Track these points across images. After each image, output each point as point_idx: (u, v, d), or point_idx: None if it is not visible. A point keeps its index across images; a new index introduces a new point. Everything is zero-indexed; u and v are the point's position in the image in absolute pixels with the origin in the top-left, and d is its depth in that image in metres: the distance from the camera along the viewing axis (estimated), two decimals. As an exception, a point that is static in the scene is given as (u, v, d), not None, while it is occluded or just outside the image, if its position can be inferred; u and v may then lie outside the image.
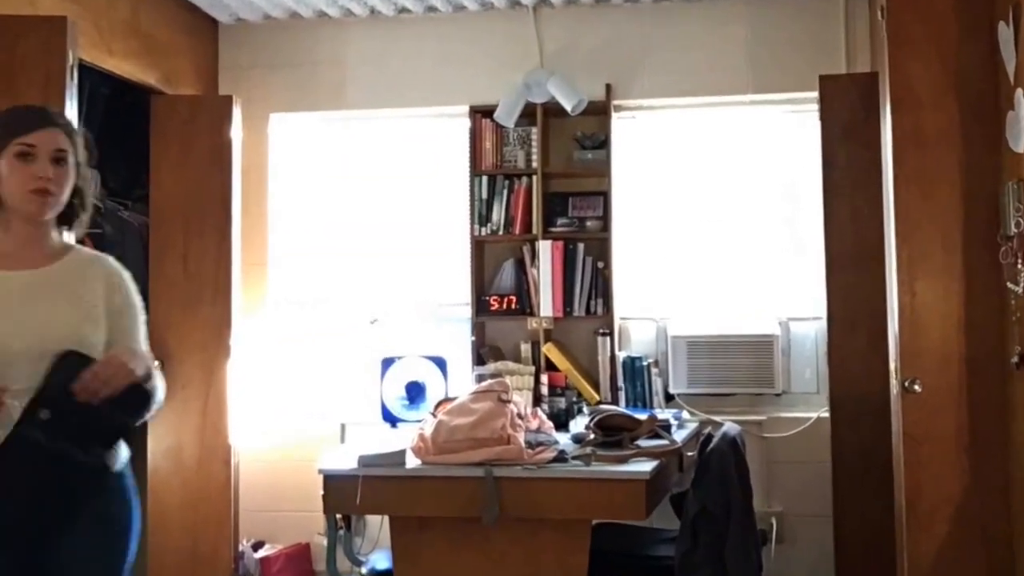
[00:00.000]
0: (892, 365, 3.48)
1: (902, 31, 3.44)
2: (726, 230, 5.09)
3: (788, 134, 5.06)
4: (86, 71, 4.31)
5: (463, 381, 4.86)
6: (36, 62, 3.68)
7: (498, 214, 5.03)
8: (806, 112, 4.89)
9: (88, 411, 2.20)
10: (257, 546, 5.08)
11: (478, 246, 5.09)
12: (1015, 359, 3.18)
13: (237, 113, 4.92)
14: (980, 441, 3.35)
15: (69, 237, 2.60)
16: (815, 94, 4.53)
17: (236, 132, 4.91)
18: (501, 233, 5.03)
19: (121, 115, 4.97)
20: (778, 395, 4.88)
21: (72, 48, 3.74)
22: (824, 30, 4.94)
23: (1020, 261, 3.14)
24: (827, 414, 4.49)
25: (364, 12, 5.25)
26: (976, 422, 3.36)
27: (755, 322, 4.93)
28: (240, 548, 4.91)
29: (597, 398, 4.84)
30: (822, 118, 4.45)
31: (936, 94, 3.41)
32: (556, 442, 3.84)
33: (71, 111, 3.73)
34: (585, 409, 4.62)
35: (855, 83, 4.43)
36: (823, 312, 4.44)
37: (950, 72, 3.41)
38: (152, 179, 4.88)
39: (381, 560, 4.20)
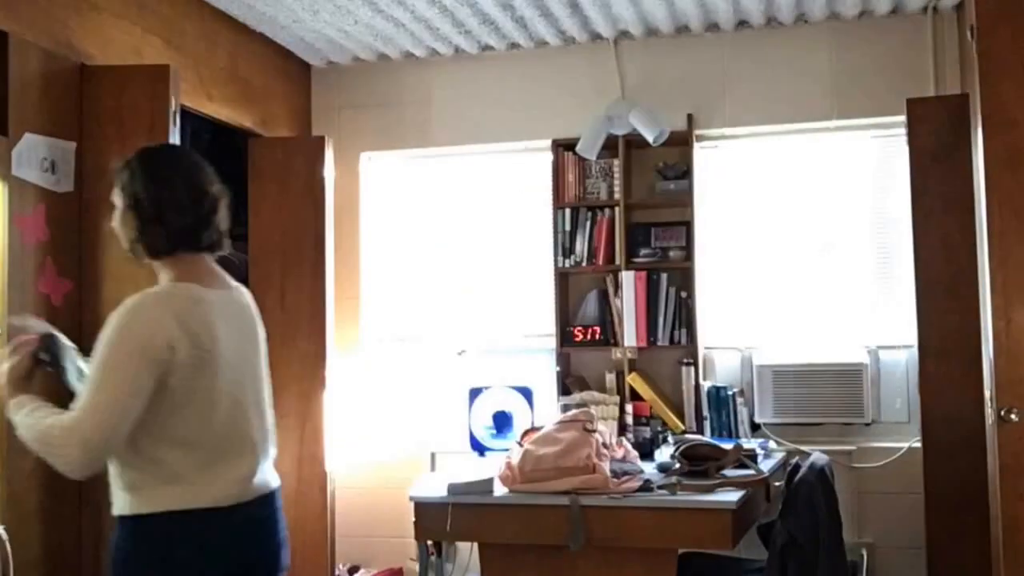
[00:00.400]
0: (987, 394, 3.24)
1: (993, 50, 3.21)
2: (812, 258, 4.85)
3: (875, 159, 4.81)
4: (188, 116, 4.42)
5: (549, 411, 4.74)
6: (142, 108, 3.76)
7: (581, 246, 4.89)
8: (893, 137, 4.66)
9: None
10: (353, 570, 5.05)
11: (562, 278, 4.96)
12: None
13: (329, 153, 4.90)
14: (1083, 472, 3.09)
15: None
16: (902, 118, 4.27)
17: (329, 171, 4.89)
18: (584, 264, 4.90)
19: (220, 157, 4.98)
20: (867, 424, 4.61)
21: (175, 95, 3.80)
22: (911, 52, 4.69)
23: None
24: (919, 444, 4.21)
25: (449, 51, 5.20)
26: (1078, 452, 3.09)
27: (843, 351, 4.68)
28: (336, 572, 4.86)
29: (682, 427, 4.67)
30: (910, 142, 4.18)
31: (1030, 114, 3.17)
32: (641, 471, 3.73)
33: None
34: (670, 438, 4.46)
35: (944, 106, 4.18)
36: (914, 340, 4.18)
37: (1045, 91, 3.16)
38: (251, 218, 4.89)
39: (471, 586, 4.12)
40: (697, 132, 4.87)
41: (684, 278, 4.79)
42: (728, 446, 3.88)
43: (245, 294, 2.55)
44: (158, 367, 2.17)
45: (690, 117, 4.85)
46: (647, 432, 4.67)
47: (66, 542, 3.62)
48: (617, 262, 4.82)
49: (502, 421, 4.74)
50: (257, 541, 2.40)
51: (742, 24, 4.87)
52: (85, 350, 3.72)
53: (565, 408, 4.53)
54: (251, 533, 2.37)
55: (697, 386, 4.72)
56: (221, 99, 4.65)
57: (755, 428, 4.71)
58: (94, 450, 2.12)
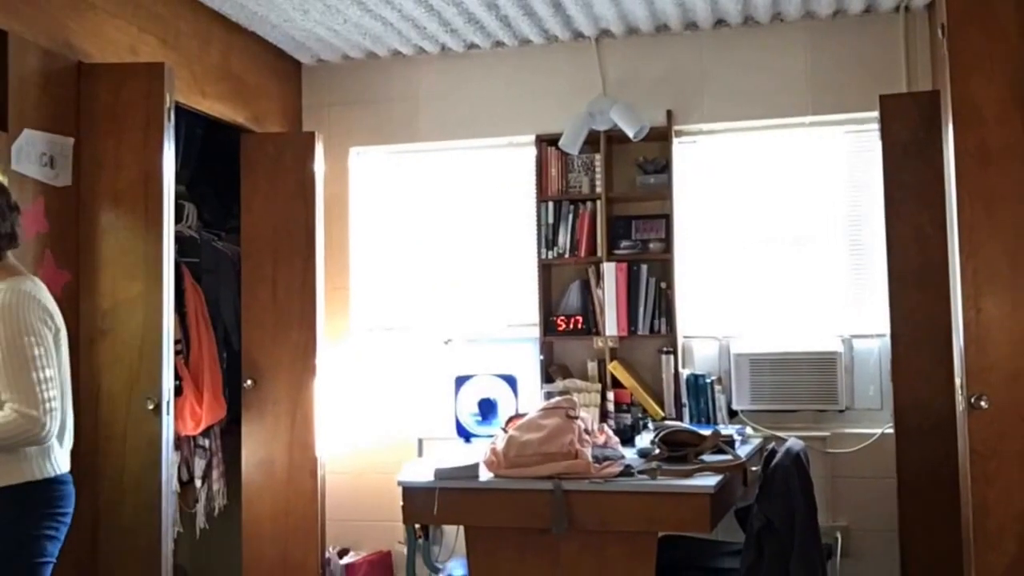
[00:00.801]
0: (958, 381, 3.20)
1: (963, 48, 3.16)
2: (788, 249, 4.81)
3: (849, 154, 4.76)
4: (182, 112, 4.38)
5: (532, 398, 4.71)
6: (138, 104, 3.75)
7: (564, 238, 4.85)
8: (867, 132, 4.63)
9: None
10: (342, 553, 5.00)
11: (545, 269, 4.91)
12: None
13: (319, 148, 4.85)
14: (1049, 457, 3.06)
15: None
16: (875, 114, 4.22)
17: (319, 166, 4.83)
18: (567, 256, 4.85)
19: (214, 152, 4.97)
20: (841, 411, 4.57)
21: (169, 91, 3.78)
22: (883, 50, 4.65)
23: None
24: (891, 430, 4.18)
25: (435, 49, 5.15)
26: (1045, 438, 3.06)
27: (817, 340, 4.63)
28: (327, 555, 4.82)
29: (662, 414, 4.62)
30: (883, 137, 4.14)
31: (999, 109, 3.13)
32: (622, 456, 3.69)
33: (168, 150, 3.77)
34: (650, 425, 4.43)
35: (916, 101, 4.13)
36: (886, 329, 4.14)
37: (1014, 86, 3.13)
38: (243, 211, 4.83)
39: (457, 568, 4.13)
40: (676, 127, 4.82)
41: (664, 269, 4.75)
42: (706, 432, 3.84)
43: None
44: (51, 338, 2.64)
45: (669, 113, 4.81)
46: (628, 419, 4.65)
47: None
48: (599, 254, 4.78)
49: (487, 408, 4.71)
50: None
51: (720, 23, 4.83)
52: (82, 339, 3.71)
53: (548, 396, 4.49)
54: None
55: (676, 374, 4.68)
56: (214, 96, 4.60)
57: (732, 415, 4.68)
58: (55, 413, 2.59)
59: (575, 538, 3.42)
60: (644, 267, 4.74)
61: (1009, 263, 3.11)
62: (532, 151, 4.96)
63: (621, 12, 4.64)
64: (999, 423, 3.07)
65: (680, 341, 4.74)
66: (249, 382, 4.72)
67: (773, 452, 3.51)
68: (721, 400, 4.64)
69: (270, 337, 4.73)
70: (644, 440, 4.05)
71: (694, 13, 4.67)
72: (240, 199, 4.83)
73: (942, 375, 3.59)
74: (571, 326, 4.80)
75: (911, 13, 4.63)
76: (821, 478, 4.36)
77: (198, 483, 4.60)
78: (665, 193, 4.76)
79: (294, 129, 5.32)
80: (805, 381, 4.56)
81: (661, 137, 4.78)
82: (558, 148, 4.80)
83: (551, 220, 4.87)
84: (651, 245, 4.78)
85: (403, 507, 3.62)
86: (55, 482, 2.65)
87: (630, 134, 4.61)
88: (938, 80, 4.06)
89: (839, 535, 4.49)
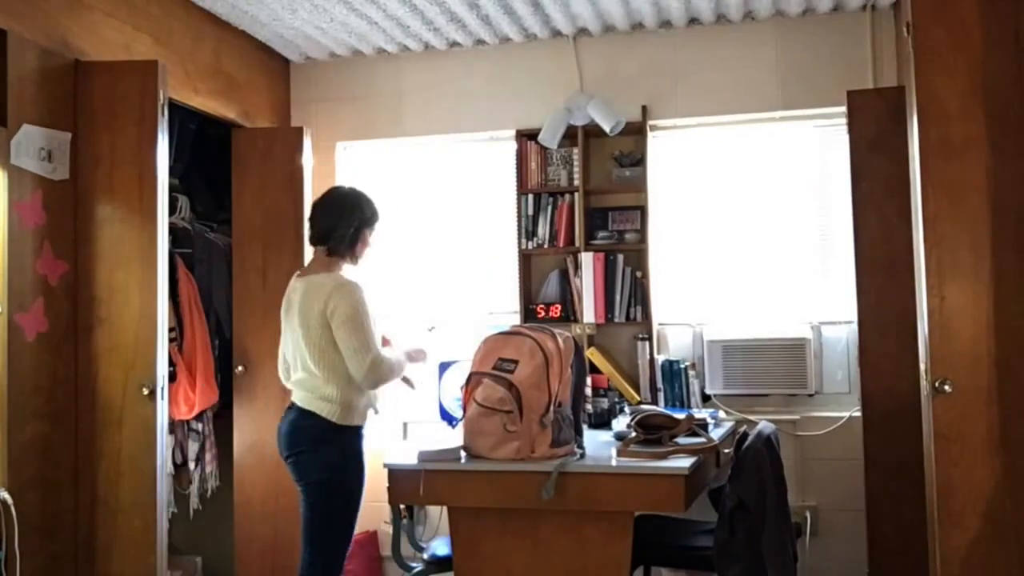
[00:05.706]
0: (922, 366, 3.16)
1: (928, 44, 3.11)
2: (759, 240, 4.76)
3: (817, 147, 4.71)
4: (175, 108, 4.35)
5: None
6: (133, 101, 3.73)
7: (543, 229, 4.79)
8: (835, 126, 4.59)
9: None
10: (331, 533, 4.91)
11: (525, 259, 4.86)
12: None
13: (307, 143, 4.78)
14: (1010, 439, 3.03)
15: None
16: (843, 109, 4.18)
17: (307, 160, 4.77)
18: (546, 246, 4.80)
19: (206, 147, 4.91)
20: (811, 395, 4.54)
21: (163, 88, 3.76)
22: (851, 47, 4.60)
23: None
24: (859, 414, 4.15)
25: (419, 47, 5.08)
26: (1006, 420, 3.03)
27: (788, 326, 4.59)
28: (316, 535, 4.73)
29: (638, 399, 4.57)
30: (850, 132, 4.09)
31: (962, 105, 3.08)
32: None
33: (162, 144, 3.75)
34: (627, 409, 4.38)
35: (882, 97, 4.08)
36: (854, 316, 4.10)
37: (976, 83, 3.07)
38: (234, 203, 4.78)
39: (441, 546, 4.11)
40: (651, 122, 4.76)
41: (639, 259, 4.70)
42: (681, 416, 3.78)
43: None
44: None
45: (644, 108, 4.75)
46: (605, 403, 4.60)
47: (64, 509, 3.58)
48: (577, 244, 4.73)
49: (470, 393, 4.66)
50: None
51: (693, 21, 4.77)
52: (80, 327, 3.65)
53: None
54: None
55: (652, 360, 4.63)
56: (206, 92, 4.54)
57: (706, 399, 4.63)
58: None
59: (554, 517, 3.37)
60: (620, 257, 4.69)
61: (971, 253, 3.07)
62: (512, 145, 4.91)
63: (598, 11, 4.58)
64: (962, 407, 3.04)
65: (655, 328, 4.70)
66: (240, 368, 4.66)
67: (745, 435, 3.48)
68: (695, 385, 4.60)
69: (260, 324, 4.68)
70: (621, 424, 4.01)
71: (668, 12, 4.61)
72: (231, 192, 4.78)
73: (907, 361, 3.58)
74: (550, 314, 4.75)
75: (877, 12, 4.58)
76: (791, 460, 4.32)
77: (191, 465, 4.56)
78: (640, 186, 4.70)
79: (283, 124, 5.24)
80: (776, 366, 4.52)
81: (636, 131, 4.73)
82: (537, 142, 4.75)
83: (531, 212, 4.82)
84: (627, 236, 4.74)
85: (388, 488, 3.58)
86: None
87: (606, 128, 4.56)
88: (903, 76, 4.02)
89: (808, 514, 4.47)
